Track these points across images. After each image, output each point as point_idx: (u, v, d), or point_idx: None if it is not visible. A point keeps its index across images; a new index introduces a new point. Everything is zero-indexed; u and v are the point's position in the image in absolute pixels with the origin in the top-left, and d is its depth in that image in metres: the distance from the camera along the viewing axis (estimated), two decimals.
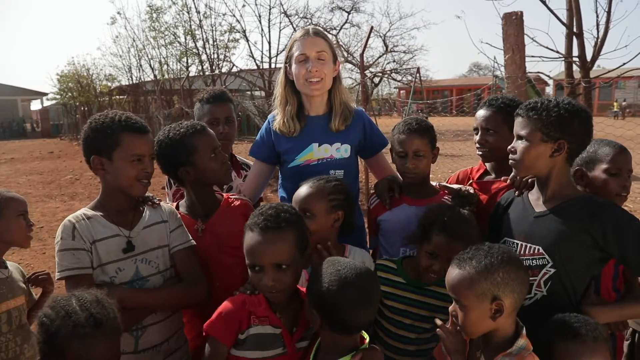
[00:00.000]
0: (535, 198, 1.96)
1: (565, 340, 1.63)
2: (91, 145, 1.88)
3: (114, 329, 1.50)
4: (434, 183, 2.38)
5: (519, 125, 1.88)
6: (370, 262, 2.18)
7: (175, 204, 2.23)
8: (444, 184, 2.44)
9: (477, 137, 2.37)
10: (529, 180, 2.03)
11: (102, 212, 1.91)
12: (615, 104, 31.92)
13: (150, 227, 1.96)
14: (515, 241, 1.94)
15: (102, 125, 1.86)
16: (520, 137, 1.87)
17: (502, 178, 2.25)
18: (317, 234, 2.06)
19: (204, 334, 1.73)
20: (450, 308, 1.66)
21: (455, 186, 2.38)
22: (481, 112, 2.37)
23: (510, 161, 1.93)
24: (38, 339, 1.46)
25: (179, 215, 2.10)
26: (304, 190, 2.07)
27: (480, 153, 2.38)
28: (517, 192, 2.06)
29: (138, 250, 1.91)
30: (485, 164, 2.47)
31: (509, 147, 1.93)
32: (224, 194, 2.29)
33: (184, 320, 2.14)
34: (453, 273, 1.63)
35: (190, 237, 2.05)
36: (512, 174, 2.06)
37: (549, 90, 32.21)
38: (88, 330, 1.42)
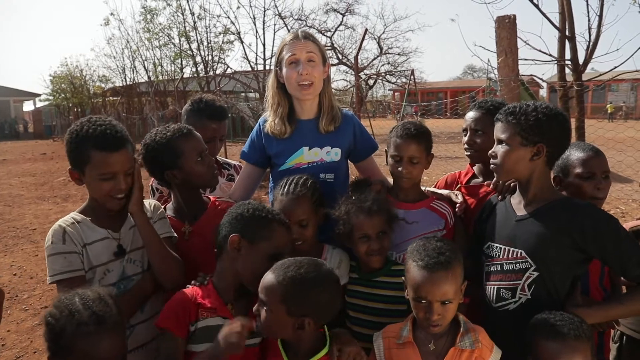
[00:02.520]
0: (517, 202, 1.97)
1: (545, 338, 1.65)
2: (68, 157, 1.87)
3: (117, 325, 1.51)
4: (422, 188, 2.38)
5: (499, 130, 1.90)
6: (347, 260, 2.19)
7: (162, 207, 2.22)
8: (432, 189, 2.45)
9: (465, 138, 2.40)
10: (511, 184, 2.04)
11: (90, 217, 1.91)
12: (608, 106, 32.07)
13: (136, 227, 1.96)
14: (499, 245, 1.95)
15: (74, 140, 1.82)
16: (500, 142, 1.89)
17: (486, 183, 2.27)
18: (312, 238, 2.10)
19: (158, 329, 1.73)
20: (435, 317, 1.67)
21: (444, 191, 2.40)
22: (470, 114, 2.41)
23: (492, 166, 1.95)
24: (45, 338, 1.49)
25: (162, 209, 2.10)
26: (288, 203, 2.07)
27: (468, 154, 2.41)
28: (499, 197, 2.08)
29: (126, 250, 1.93)
30: (473, 167, 2.50)
31: (490, 151, 1.95)
32: (211, 197, 2.30)
33: None
34: (436, 279, 1.67)
35: (172, 230, 2.05)
36: (494, 178, 2.07)
37: (543, 92, 32.38)
38: (91, 327, 1.43)
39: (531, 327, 1.71)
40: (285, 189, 2.12)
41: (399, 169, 2.20)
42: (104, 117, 1.91)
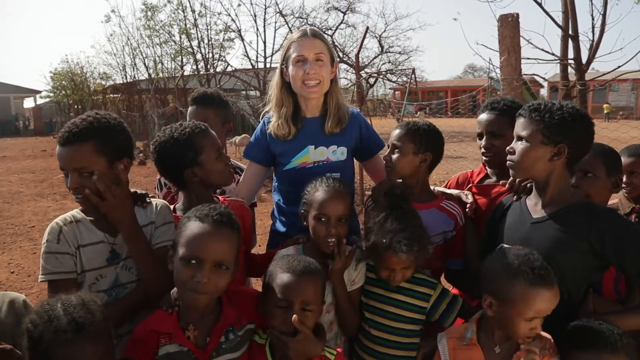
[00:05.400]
0: (532, 204, 1.92)
1: (578, 347, 1.61)
2: None
3: (99, 332, 1.43)
4: (431, 188, 2.34)
5: (520, 126, 1.84)
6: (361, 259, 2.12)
7: (171, 207, 2.14)
8: (442, 189, 2.40)
9: (482, 142, 2.31)
10: (527, 184, 1.99)
11: (92, 217, 1.85)
12: (605, 106, 32.01)
13: None
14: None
15: None
16: (520, 138, 1.84)
17: (501, 182, 2.21)
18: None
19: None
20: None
21: (454, 191, 2.35)
22: (484, 116, 2.31)
23: (508, 162, 1.89)
24: (25, 345, 1.42)
25: (169, 212, 2.01)
26: (335, 195, 1.98)
27: (487, 158, 2.32)
28: (514, 197, 2.03)
29: (121, 257, 1.85)
30: (487, 168, 2.42)
31: (508, 147, 1.89)
32: (220, 197, 2.24)
33: None
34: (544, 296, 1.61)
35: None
36: (511, 178, 2.02)
37: (544, 92, 32.35)
38: (70, 335, 1.36)
39: (567, 333, 1.66)
40: (331, 184, 2.01)
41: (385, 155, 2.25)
42: (98, 112, 1.84)
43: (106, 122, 1.80)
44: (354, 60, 8.90)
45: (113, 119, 1.84)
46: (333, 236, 1.92)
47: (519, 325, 1.62)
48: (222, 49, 20.19)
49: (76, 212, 1.87)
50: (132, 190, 1.97)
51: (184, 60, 21.49)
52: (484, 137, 2.30)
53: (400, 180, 2.25)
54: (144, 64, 23.18)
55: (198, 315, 1.63)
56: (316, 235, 1.97)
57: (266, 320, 1.66)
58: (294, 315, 1.56)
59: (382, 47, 24.76)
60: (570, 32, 5.89)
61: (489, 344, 1.71)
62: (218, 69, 19.32)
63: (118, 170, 1.80)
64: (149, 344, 1.60)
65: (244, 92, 21.80)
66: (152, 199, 2.01)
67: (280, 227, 2.52)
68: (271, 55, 18.44)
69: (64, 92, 34.30)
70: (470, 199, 2.25)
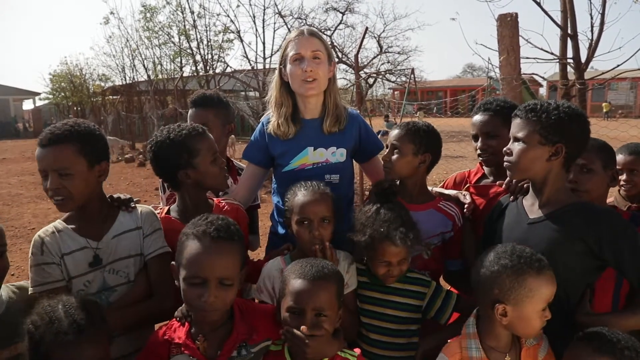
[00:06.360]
0: (529, 204, 1.92)
1: (578, 339, 1.58)
2: None
3: (99, 334, 1.46)
4: (429, 189, 2.34)
5: (517, 127, 1.83)
6: (354, 263, 2.10)
7: (166, 208, 2.17)
8: (439, 190, 2.40)
9: (478, 144, 2.32)
10: (524, 185, 1.99)
11: (73, 224, 1.86)
12: (604, 105, 32.04)
13: (121, 236, 1.88)
14: None
15: None
16: (517, 139, 1.83)
17: (498, 183, 2.21)
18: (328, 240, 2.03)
19: None
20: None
21: (452, 192, 2.35)
22: (478, 118, 2.33)
23: (506, 163, 1.89)
24: (26, 345, 1.44)
25: (156, 219, 2.00)
26: (315, 196, 1.97)
27: (483, 159, 2.33)
28: (511, 197, 2.03)
29: (105, 261, 1.85)
30: (484, 167, 2.43)
31: (505, 149, 1.89)
32: (215, 199, 2.24)
33: None
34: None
35: (166, 244, 1.95)
36: (507, 178, 2.02)
37: (543, 91, 32.39)
38: (70, 337, 1.38)
39: (576, 337, 1.63)
40: (309, 187, 2.00)
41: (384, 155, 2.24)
42: (76, 120, 1.87)
43: (86, 126, 1.85)
44: (353, 60, 8.92)
45: (92, 126, 1.89)
46: (317, 238, 1.91)
47: (538, 320, 1.61)
48: (221, 50, 20.17)
49: (58, 222, 1.89)
50: (115, 195, 2.00)
51: (183, 61, 21.47)
52: (480, 139, 2.31)
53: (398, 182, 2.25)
54: (143, 65, 23.17)
55: (209, 328, 1.63)
56: (301, 240, 1.96)
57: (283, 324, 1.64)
58: (303, 327, 1.54)
59: (381, 47, 24.76)
60: (569, 32, 5.89)
61: (498, 355, 1.67)
62: (217, 70, 19.32)
63: (97, 172, 1.84)
64: (160, 354, 1.62)
65: (243, 93, 21.81)
66: (136, 205, 2.01)
67: (280, 229, 2.52)
68: (270, 56, 18.41)
69: (63, 94, 34.28)
70: (468, 199, 2.25)
